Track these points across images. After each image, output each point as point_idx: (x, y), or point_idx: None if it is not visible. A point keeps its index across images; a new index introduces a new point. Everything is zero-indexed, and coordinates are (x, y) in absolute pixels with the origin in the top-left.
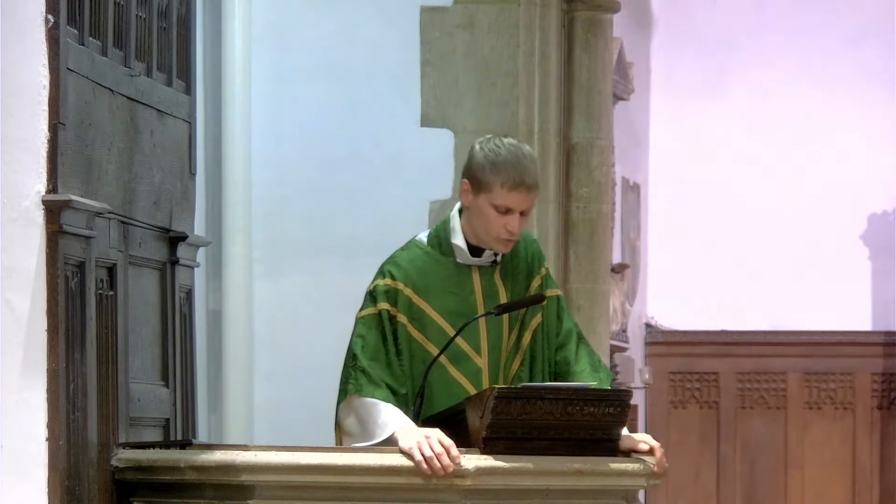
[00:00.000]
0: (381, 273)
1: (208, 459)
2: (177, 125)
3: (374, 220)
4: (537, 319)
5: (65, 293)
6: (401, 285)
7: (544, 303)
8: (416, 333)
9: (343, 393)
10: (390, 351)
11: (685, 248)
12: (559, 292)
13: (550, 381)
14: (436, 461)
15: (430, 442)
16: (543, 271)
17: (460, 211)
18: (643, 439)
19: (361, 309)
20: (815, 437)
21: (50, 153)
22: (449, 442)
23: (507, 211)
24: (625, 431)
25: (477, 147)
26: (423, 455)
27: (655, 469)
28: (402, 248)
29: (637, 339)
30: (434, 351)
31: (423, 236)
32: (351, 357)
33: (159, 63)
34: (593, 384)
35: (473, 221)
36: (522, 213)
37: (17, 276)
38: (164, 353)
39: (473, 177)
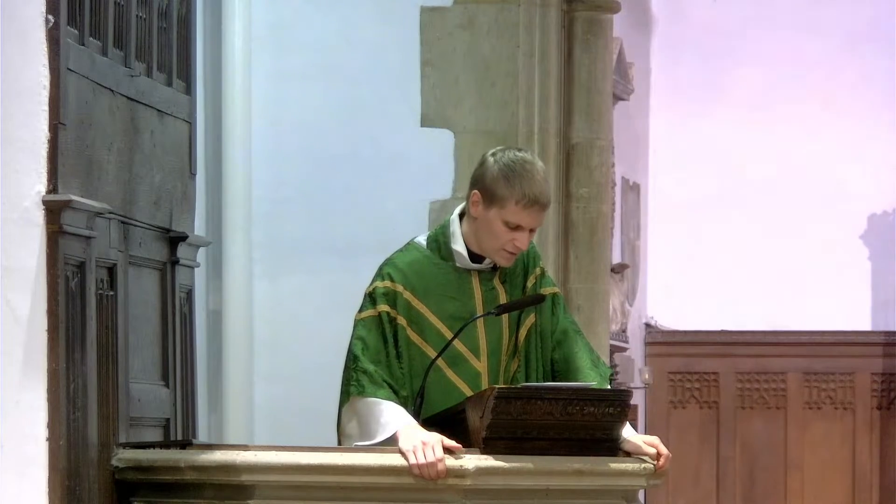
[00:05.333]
0: (380, 275)
1: (208, 459)
2: (177, 125)
3: (374, 220)
4: (531, 319)
5: (65, 293)
6: (400, 288)
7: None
8: (414, 337)
9: (345, 395)
10: (390, 353)
11: (685, 248)
12: (554, 290)
13: (547, 380)
14: (427, 469)
15: (426, 450)
16: (538, 271)
17: (461, 215)
18: (650, 442)
19: (360, 311)
20: (814, 438)
21: (50, 153)
22: (448, 444)
23: (518, 227)
24: (631, 432)
25: (491, 159)
26: (416, 459)
27: (655, 470)
28: (401, 250)
29: (637, 339)
30: (432, 354)
31: (421, 239)
32: (352, 359)
33: (159, 63)
34: (593, 384)
35: (480, 233)
36: (531, 230)
37: (17, 276)
38: (164, 353)
39: (486, 189)
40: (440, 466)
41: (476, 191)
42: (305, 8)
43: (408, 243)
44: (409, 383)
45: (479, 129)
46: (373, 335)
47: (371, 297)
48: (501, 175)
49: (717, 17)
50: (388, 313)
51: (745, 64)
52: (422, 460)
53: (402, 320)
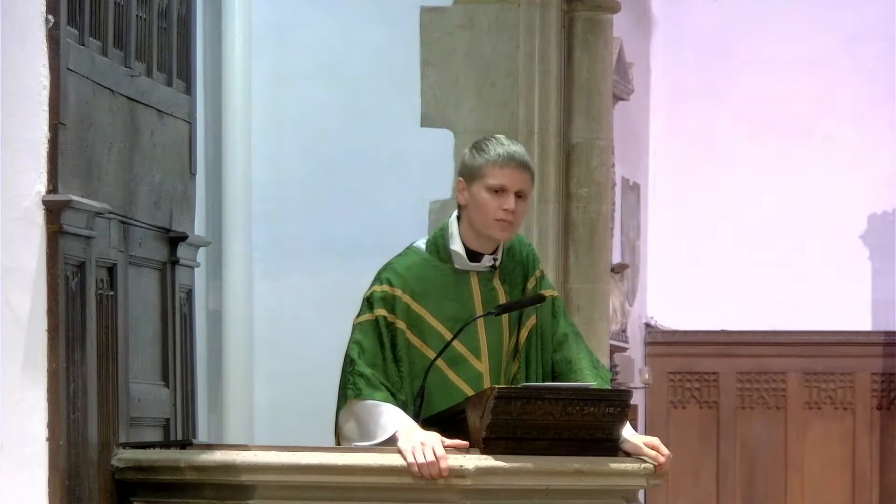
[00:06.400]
0: (379, 279)
1: (208, 459)
2: (177, 125)
3: (374, 220)
4: (532, 321)
5: (65, 293)
6: (399, 292)
7: (542, 303)
8: (414, 340)
9: (343, 398)
10: (387, 357)
11: (685, 248)
12: (554, 293)
13: (547, 381)
14: (427, 468)
15: (425, 449)
16: (538, 273)
17: (458, 217)
18: (650, 443)
19: (358, 315)
20: (814, 438)
21: (50, 153)
22: (453, 444)
23: (502, 190)
24: (631, 432)
25: (466, 149)
26: (415, 459)
27: (655, 470)
28: (400, 255)
29: (637, 339)
30: (433, 356)
31: (420, 243)
32: (349, 362)
33: (159, 63)
34: (593, 384)
35: (472, 216)
36: (519, 196)
37: (17, 276)
38: (164, 353)
39: (465, 170)
40: (441, 465)
41: (459, 178)
42: (305, 8)
43: (407, 248)
44: (408, 387)
45: (479, 129)
46: (369, 339)
47: (369, 302)
48: (474, 150)
49: (717, 17)
50: (385, 317)
51: (745, 64)
52: (421, 459)
53: (401, 324)
